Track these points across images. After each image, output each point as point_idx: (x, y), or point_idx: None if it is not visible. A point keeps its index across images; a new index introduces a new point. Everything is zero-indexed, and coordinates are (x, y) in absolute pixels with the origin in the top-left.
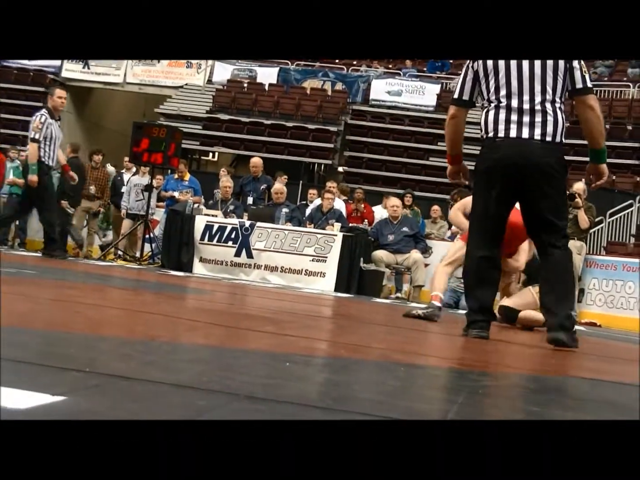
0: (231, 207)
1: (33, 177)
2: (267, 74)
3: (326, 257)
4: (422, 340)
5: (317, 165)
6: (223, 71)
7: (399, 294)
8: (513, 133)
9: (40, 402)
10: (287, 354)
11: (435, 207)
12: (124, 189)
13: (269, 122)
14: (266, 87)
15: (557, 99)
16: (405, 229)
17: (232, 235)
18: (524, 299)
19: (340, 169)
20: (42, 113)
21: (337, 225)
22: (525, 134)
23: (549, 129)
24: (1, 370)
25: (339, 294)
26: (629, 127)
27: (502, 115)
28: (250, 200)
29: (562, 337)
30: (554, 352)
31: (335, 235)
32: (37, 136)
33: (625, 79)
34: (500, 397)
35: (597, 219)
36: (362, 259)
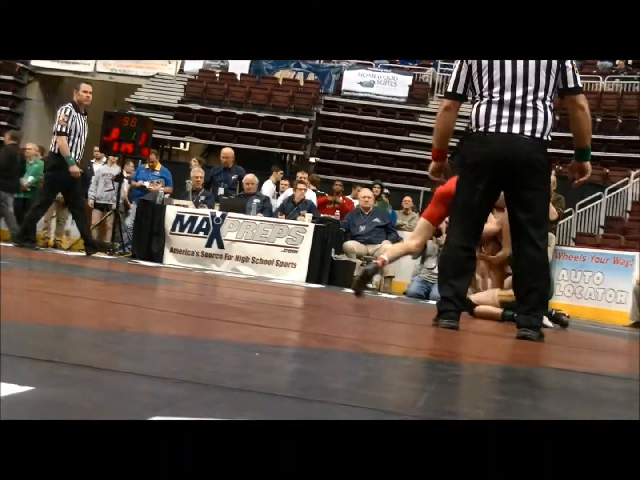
0: (202, 198)
1: (74, 168)
2: (239, 64)
3: (297, 248)
4: (393, 331)
5: (289, 156)
6: (195, 61)
7: (370, 285)
8: (504, 128)
9: (7, 392)
10: (257, 345)
11: (407, 199)
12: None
13: (240, 112)
14: (238, 77)
15: (548, 97)
16: (376, 219)
17: (203, 226)
18: (486, 298)
19: (312, 159)
20: (67, 106)
21: (309, 216)
22: (515, 129)
23: (539, 126)
24: None
25: (310, 285)
26: (599, 120)
27: (494, 110)
28: (221, 190)
29: (532, 336)
30: (523, 343)
31: (307, 226)
32: (64, 129)
33: (594, 71)
34: (469, 387)
35: (566, 211)
36: (333, 249)
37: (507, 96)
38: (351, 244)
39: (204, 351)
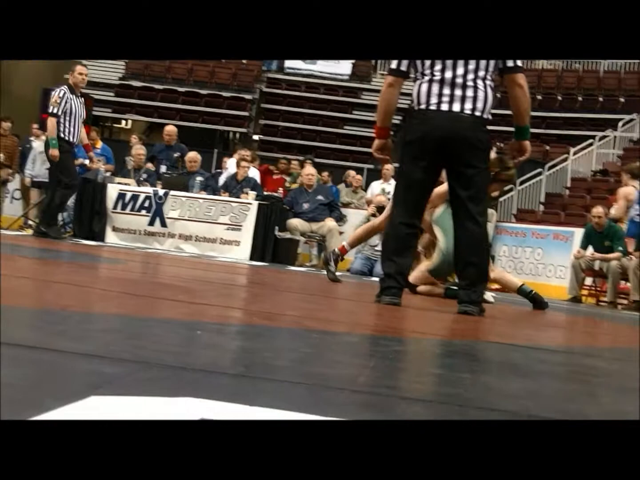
0: (144, 176)
1: (54, 152)
2: None
3: (241, 226)
4: (336, 307)
5: (232, 134)
6: None
7: (314, 262)
8: (445, 106)
9: None
10: (199, 322)
11: (358, 177)
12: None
13: (182, 89)
14: None
15: (488, 76)
16: (320, 197)
17: (146, 204)
18: (418, 274)
19: (255, 137)
20: (61, 88)
21: (252, 193)
22: (456, 107)
23: (479, 104)
24: None
25: (254, 263)
26: (539, 97)
27: (435, 88)
28: (163, 168)
29: (473, 311)
30: (464, 317)
31: (250, 203)
32: (55, 110)
33: None
34: (409, 362)
35: (507, 187)
36: (277, 227)
37: (448, 74)
38: (295, 222)
39: (145, 330)
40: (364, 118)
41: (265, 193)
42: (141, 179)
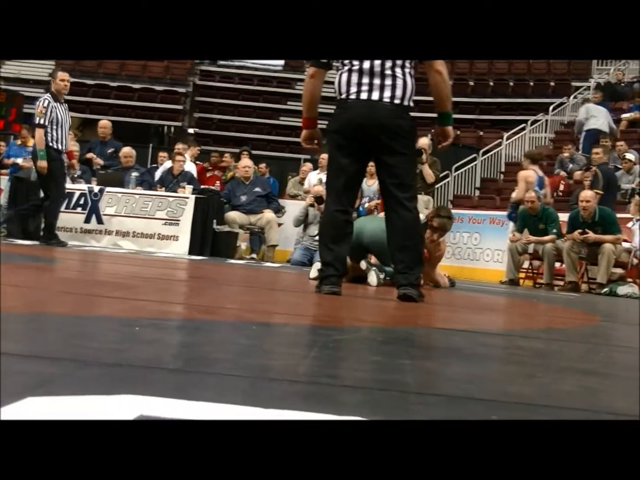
0: (78, 172)
1: (42, 163)
2: None
3: (179, 220)
4: (275, 299)
5: (167, 128)
6: None
7: (254, 255)
8: (364, 95)
9: None
10: (137, 319)
11: (305, 168)
12: None
13: (114, 84)
14: None
15: (407, 64)
16: (257, 189)
17: (81, 202)
18: None
19: (190, 130)
20: (45, 97)
21: (189, 187)
22: (375, 96)
23: (398, 92)
24: None
25: (193, 257)
26: (471, 83)
27: (355, 77)
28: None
29: (412, 294)
30: (404, 304)
31: (187, 197)
32: (41, 121)
33: None
34: (350, 350)
35: (442, 174)
36: (215, 220)
37: (367, 64)
38: (233, 215)
39: (82, 328)
40: (298, 108)
41: (202, 187)
42: (75, 176)
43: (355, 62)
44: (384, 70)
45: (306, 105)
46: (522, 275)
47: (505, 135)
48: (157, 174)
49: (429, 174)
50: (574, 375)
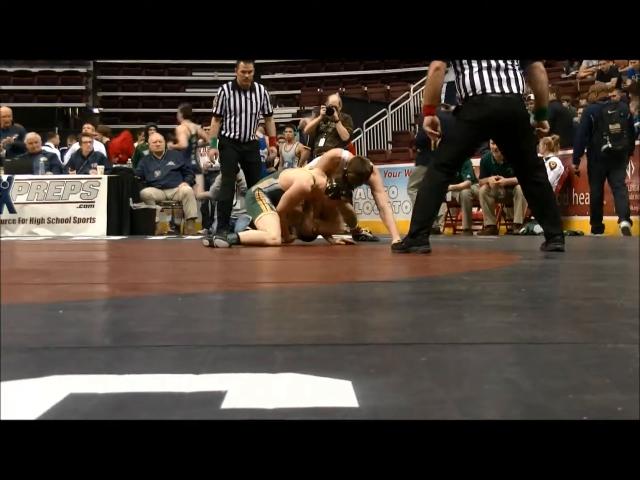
0: None
1: (212, 151)
2: None
3: (93, 202)
4: (199, 270)
5: (72, 110)
6: None
7: (171, 229)
8: (498, 89)
9: None
10: (60, 302)
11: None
12: None
13: (12, 69)
14: None
15: (516, 62)
16: (170, 163)
17: None
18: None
19: (95, 110)
20: (222, 87)
21: (100, 168)
22: (507, 89)
23: (520, 84)
24: None
25: (112, 237)
26: None
27: (486, 74)
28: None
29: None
30: (328, 263)
31: (100, 178)
32: (216, 110)
33: None
34: (275, 311)
35: (355, 130)
36: (131, 199)
37: (494, 62)
38: (148, 191)
39: (5, 317)
40: (204, 79)
41: (114, 165)
42: None
43: (484, 62)
44: (507, 67)
45: (430, 94)
46: (441, 223)
47: (412, 87)
48: (66, 157)
49: (343, 131)
50: (497, 312)
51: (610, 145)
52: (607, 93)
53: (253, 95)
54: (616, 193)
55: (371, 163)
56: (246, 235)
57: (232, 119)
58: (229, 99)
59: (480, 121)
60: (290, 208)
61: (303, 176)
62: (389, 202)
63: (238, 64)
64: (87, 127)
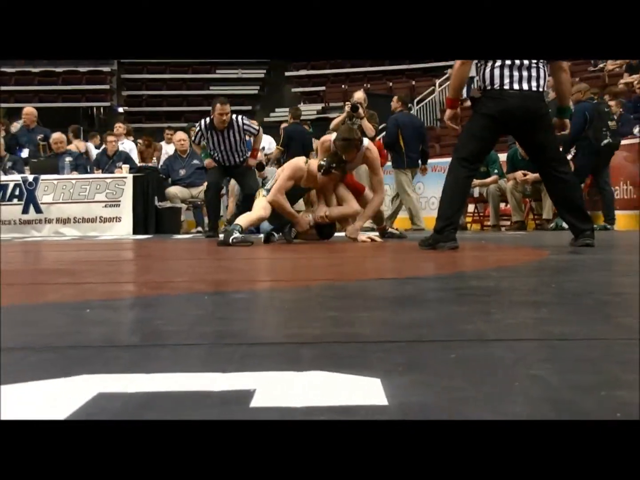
0: (9, 164)
1: (206, 161)
2: None
3: (119, 201)
4: (225, 268)
5: (96, 109)
6: None
7: (200, 228)
8: (516, 85)
9: None
10: (86, 301)
11: None
12: None
13: (37, 69)
14: None
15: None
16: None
17: (16, 192)
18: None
19: (120, 109)
20: (200, 122)
21: (126, 167)
22: (526, 86)
23: (542, 82)
24: None
25: (138, 237)
26: None
27: (507, 70)
28: (25, 152)
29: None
30: (352, 260)
31: (125, 177)
32: (194, 140)
33: None
34: (302, 309)
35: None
36: (156, 197)
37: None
38: (174, 190)
39: (31, 317)
40: (228, 76)
41: (139, 164)
42: (6, 167)
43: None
44: (531, 65)
45: (455, 87)
46: (468, 219)
47: (438, 82)
48: (92, 157)
49: (368, 127)
50: (526, 308)
51: (610, 140)
52: (592, 94)
53: (231, 133)
54: (606, 190)
55: (366, 138)
56: (244, 220)
57: (212, 152)
58: (207, 138)
59: (497, 115)
60: (284, 184)
61: (296, 159)
62: (385, 187)
63: (214, 105)
64: (119, 127)
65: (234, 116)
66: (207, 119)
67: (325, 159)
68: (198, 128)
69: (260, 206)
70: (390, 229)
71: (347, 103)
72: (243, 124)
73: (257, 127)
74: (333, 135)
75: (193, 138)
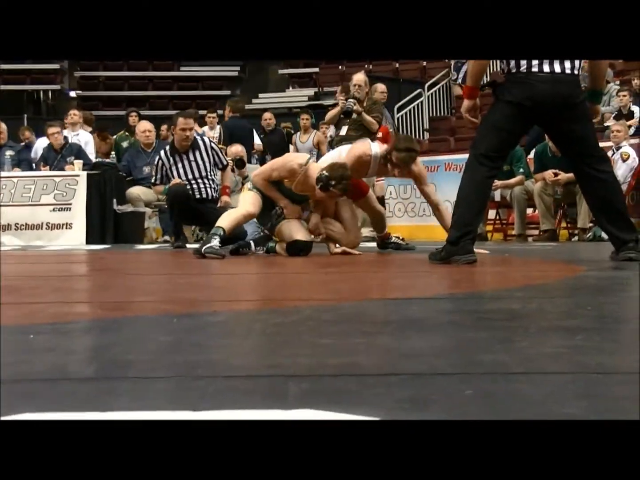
0: None
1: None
2: None
3: (70, 204)
4: (196, 285)
5: (43, 93)
6: None
7: (167, 236)
8: (546, 67)
9: None
10: (32, 325)
11: None
12: None
13: None
14: None
15: None
16: None
17: None
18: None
19: (72, 93)
20: (159, 154)
21: (78, 162)
22: (557, 68)
23: (577, 63)
24: None
25: (93, 247)
26: None
27: None
28: None
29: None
30: (349, 276)
31: (78, 175)
32: (155, 180)
33: None
34: (292, 335)
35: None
36: (115, 200)
37: None
38: (136, 190)
39: None
40: None
41: (95, 160)
42: None
43: None
44: None
45: (475, 75)
46: (489, 227)
47: (453, 62)
48: (37, 151)
49: (369, 121)
50: (557, 335)
51: None
52: None
53: (197, 155)
54: None
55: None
56: (227, 220)
57: None
58: (170, 167)
59: (522, 103)
60: (269, 172)
61: (297, 155)
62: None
63: (176, 120)
64: (73, 114)
65: (197, 137)
66: (166, 148)
67: (326, 171)
68: (157, 162)
69: (248, 201)
70: (394, 238)
71: (340, 99)
72: (210, 144)
73: (226, 158)
74: (374, 148)
75: (153, 179)
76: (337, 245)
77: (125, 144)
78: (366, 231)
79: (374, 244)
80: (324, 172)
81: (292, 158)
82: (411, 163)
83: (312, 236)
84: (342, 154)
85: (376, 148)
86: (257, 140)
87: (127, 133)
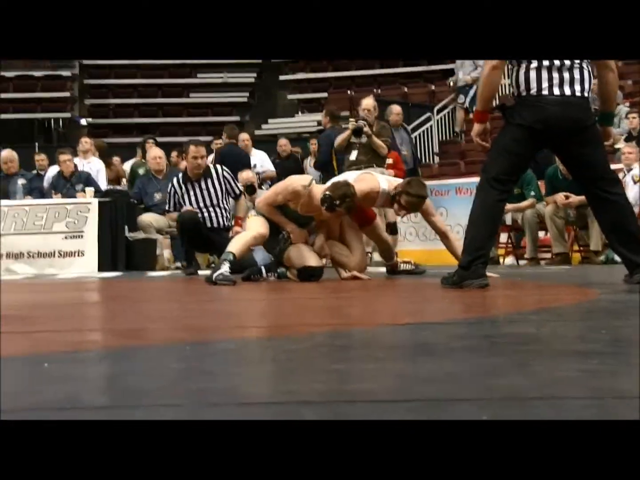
0: None
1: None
2: None
3: (82, 232)
4: (208, 312)
5: (54, 121)
6: None
7: (179, 263)
8: (556, 90)
9: None
10: (44, 354)
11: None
12: None
13: None
14: None
15: (585, 60)
16: None
17: None
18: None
19: (83, 121)
20: (171, 182)
21: (89, 190)
22: (567, 91)
23: (587, 85)
24: None
25: (105, 274)
26: None
27: (545, 73)
28: None
29: None
30: (359, 301)
31: (89, 203)
32: (168, 208)
33: None
34: (304, 361)
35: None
36: (126, 227)
37: (557, 60)
38: (147, 218)
39: None
40: (211, 81)
41: (106, 187)
42: None
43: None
44: (573, 65)
45: (485, 98)
46: (501, 251)
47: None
48: (47, 180)
49: (379, 145)
50: (572, 359)
51: None
52: None
53: (209, 183)
54: None
55: None
56: (237, 245)
57: None
58: (182, 195)
59: (533, 126)
60: (274, 197)
61: (299, 177)
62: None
63: (187, 148)
64: (85, 142)
65: (210, 165)
66: (179, 175)
67: (329, 191)
68: (170, 190)
69: (257, 223)
70: (403, 266)
71: (350, 120)
72: (223, 172)
73: (239, 187)
74: (382, 185)
75: (166, 206)
76: (347, 270)
77: (141, 171)
78: (377, 256)
79: (384, 269)
80: (327, 192)
81: (295, 180)
82: (419, 209)
83: (323, 260)
84: (348, 180)
85: (384, 185)
86: (271, 167)
87: (143, 160)
